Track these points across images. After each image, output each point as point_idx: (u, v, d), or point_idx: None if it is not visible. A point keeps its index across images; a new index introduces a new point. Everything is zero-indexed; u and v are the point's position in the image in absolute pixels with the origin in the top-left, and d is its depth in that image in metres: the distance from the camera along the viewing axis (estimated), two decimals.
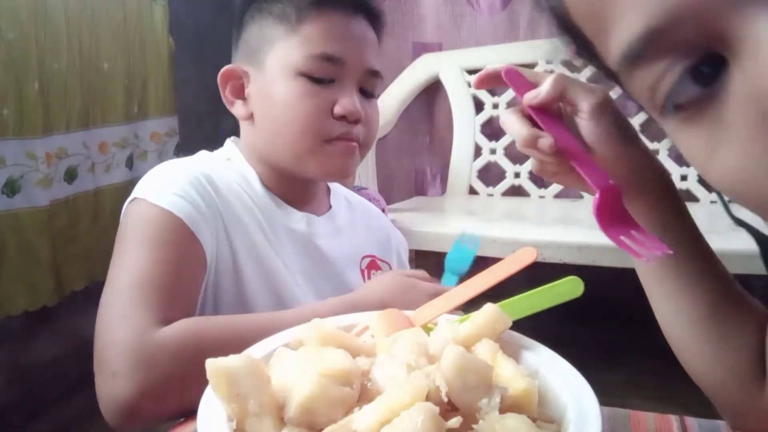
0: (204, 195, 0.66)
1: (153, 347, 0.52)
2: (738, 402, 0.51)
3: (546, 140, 0.47)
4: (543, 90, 0.50)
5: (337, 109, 0.69)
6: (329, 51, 0.69)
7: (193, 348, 0.53)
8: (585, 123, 0.50)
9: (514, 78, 0.52)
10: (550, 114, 0.50)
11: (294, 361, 0.37)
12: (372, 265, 0.82)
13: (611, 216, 0.44)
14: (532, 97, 0.50)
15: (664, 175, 0.53)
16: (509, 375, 0.37)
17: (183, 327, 0.55)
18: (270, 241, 0.71)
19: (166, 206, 0.63)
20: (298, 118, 0.69)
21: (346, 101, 0.69)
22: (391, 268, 0.85)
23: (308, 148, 0.70)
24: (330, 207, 0.82)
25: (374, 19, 0.75)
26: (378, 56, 0.75)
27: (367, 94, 0.74)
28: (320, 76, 0.69)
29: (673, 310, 0.52)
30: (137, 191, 0.66)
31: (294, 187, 0.76)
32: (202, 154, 0.78)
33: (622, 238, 0.43)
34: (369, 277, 0.81)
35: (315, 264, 0.75)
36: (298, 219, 0.75)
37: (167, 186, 0.65)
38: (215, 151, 0.79)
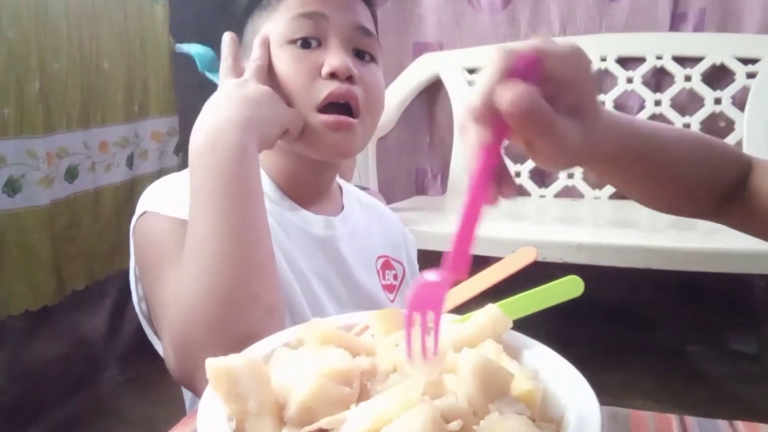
0: None
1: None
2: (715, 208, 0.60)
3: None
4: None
5: (325, 68, 0.66)
6: (307, 9, 0.67)
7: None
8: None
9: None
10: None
11: (294, 361, 0.37)
12: (386, 266, 0.81)
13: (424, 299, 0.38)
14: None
15: (626, 138, 0.49)
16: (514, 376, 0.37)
17: None
18: (282, 245, 0.68)
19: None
20: (287, 86, 0.67)
21: (333, 58, 0.66)
22: (403, 268, 0.83)
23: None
24: (343, 207, 0.80)
25: None
26: (368, 19, 0.71)
27: (365, 58, 0.71)
28: (303, 35, 0.67)
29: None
30: (147, 205, 0.65)
31: (306, 186, 0.74)
32: None
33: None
34: (383, 278, 0.80)
35: (331, 266, 0.74)
36: (314, 222, 0.74)
37: (183, 198, 0.63)
38: None
